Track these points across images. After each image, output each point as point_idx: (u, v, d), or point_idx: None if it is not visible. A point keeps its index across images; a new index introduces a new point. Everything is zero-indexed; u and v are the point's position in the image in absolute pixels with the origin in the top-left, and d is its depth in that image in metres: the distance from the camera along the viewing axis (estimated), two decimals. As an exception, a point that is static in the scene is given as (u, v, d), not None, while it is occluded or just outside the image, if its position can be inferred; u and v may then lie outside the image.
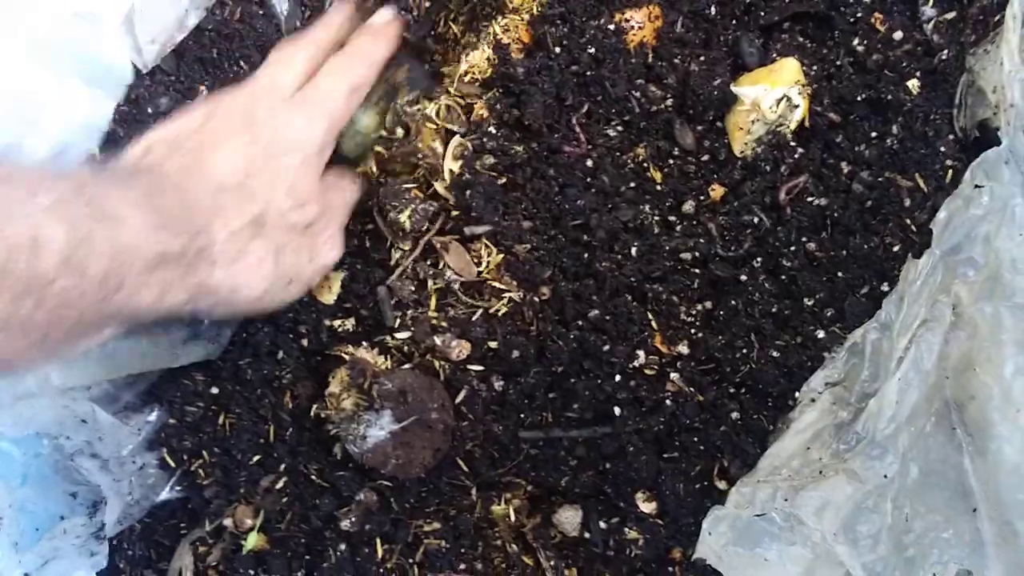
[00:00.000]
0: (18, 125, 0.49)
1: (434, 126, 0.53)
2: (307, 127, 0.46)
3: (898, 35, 0.52)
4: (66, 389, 0.45)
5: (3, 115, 0.48)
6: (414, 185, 0.53)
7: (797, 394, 0.48)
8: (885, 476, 0.44)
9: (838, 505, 0.44)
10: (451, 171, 0.52)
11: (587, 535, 0.52)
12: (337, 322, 0.53)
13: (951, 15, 0.51)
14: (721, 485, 0.50)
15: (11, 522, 0.43)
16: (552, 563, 0.51)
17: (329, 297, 0.54)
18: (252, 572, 0.52)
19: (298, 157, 0.46)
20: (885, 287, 0.49)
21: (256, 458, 0.52)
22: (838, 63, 0.53)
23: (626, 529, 0.51)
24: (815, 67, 0.53)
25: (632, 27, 0.54)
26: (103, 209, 0.36)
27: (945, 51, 0.51)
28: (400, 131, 0.53)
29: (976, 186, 0.45)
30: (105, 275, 0.35)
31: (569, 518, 0.52)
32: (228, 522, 0.53)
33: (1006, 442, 0.43)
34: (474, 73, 0.55)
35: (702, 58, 0.54)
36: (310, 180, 0.46)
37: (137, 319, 0.39)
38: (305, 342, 0.53)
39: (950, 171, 0.49)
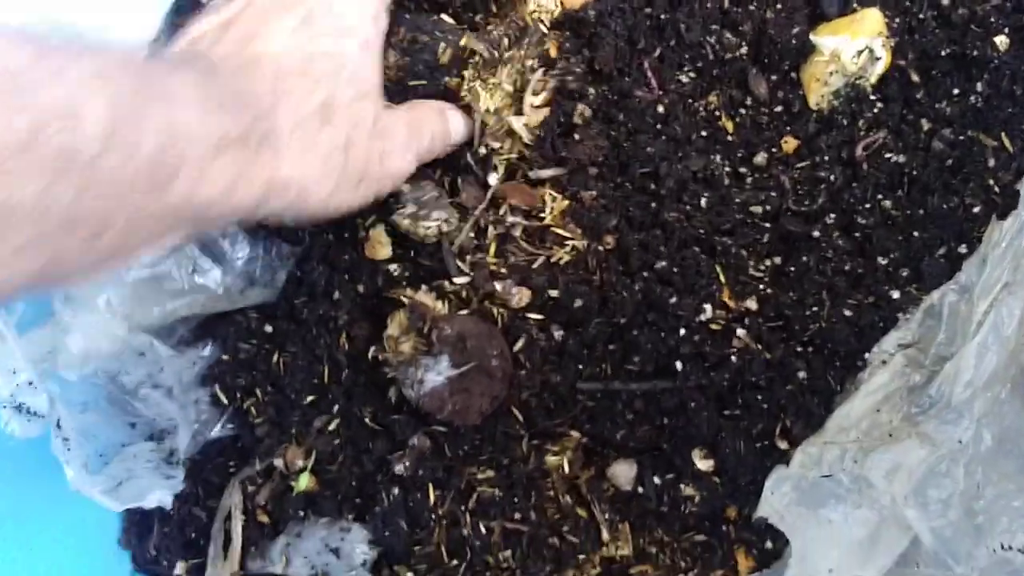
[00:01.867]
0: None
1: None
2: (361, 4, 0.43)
3: (975, -8, 0.50)
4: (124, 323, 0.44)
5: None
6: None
7: (868, 355, 0.47)
8: (959, 441, 0.43)
9: (909, 469, 0.43)
10: (531, 105, 0.51)
11: (641, 490, 0.51)
12: (394, 265, 0.52)
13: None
14: (782, 445, 0.49)
15: (78, 446, 0.43)
16: (606, 516, 0.51)
17: (384, 252, 0.52)
18: (302, 513, 0.52)
19: (356, 41, 0.43)
20: (964, 249, 0.48)
21: (310, 398, 0.52)
22: (921, 16, 0.51)
23: (681, 486, 0.51)
24: (897, 19, 0.51)
25: None
26: (151, 84, 0.32)
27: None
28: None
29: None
30: (158, 155, 0.31)
31: (624, 472, 0.52)
32: (279, 462, 0.52)
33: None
34: (540, 12, 0.54)
35: (779, 5, 0.52)
36: (372, 69, 0.43)
37: (206, 221, 0.36)
38: (361, 287, 0.52)
39: (1038, 131, 0.48)
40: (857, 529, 0.44)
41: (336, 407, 0.52)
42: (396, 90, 0.53)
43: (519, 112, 0.52)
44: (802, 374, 0.48)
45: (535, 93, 0.52)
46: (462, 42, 0.53)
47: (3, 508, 0.46)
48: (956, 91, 0.50)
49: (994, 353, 0.44)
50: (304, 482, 0.52)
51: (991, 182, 0.48)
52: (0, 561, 0.46)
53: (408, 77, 0.54)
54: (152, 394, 0.46)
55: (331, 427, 0.52)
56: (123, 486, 0.45)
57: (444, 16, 0.55)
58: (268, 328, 0.52)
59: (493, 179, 0.51)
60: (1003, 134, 0.48)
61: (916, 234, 0.49)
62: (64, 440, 0.42)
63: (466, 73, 0.52)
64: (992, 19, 0.50)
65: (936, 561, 0.43)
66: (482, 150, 0.52)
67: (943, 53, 0.50)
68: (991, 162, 0.48)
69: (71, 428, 0.43)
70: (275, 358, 0.52)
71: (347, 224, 0.52)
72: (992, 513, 0.44)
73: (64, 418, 0.42)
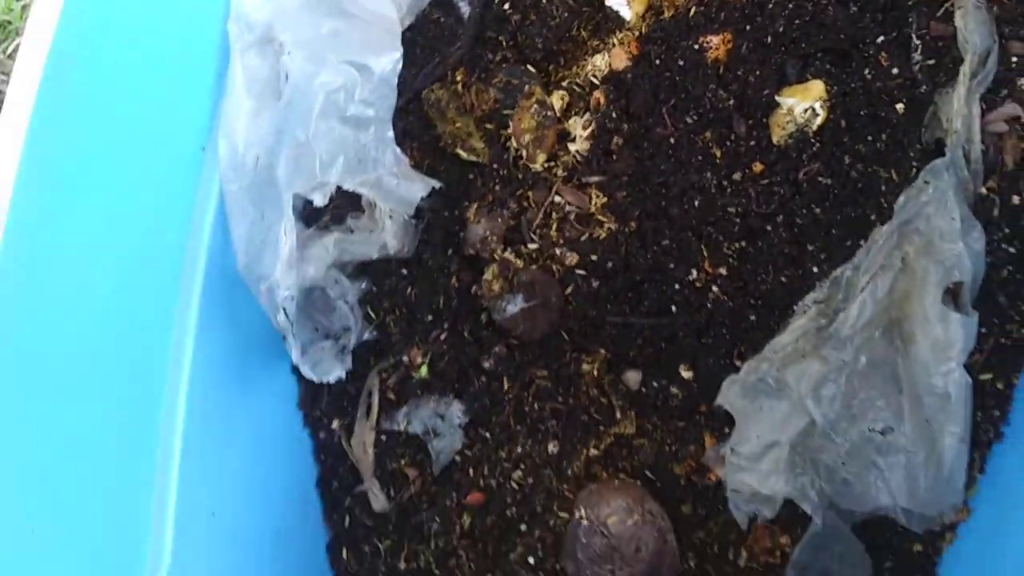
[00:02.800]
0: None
1: (560, 105, 0.79)
2: None
3: (895, 71, 0.75)
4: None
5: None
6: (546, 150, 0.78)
7: (795, 307, 0.73)
8: (843, 361, 0.69)
9: (811, 376, 0.69)
10: (577, 134, 0.77)
11: (644, 389, 0.78)
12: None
13: (932, 61, 0.74)
14: (738, 363, 0.75)
15: (294, 338, 0.69)
16: (619, 405, 0.77)
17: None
18: (419, 392, 0.79)
19: None
20: (861, 242, 0.73)
21: (429, 317, 0.78)
22: (852, 86, 0.76)
23: (671, 387, 0.77)
24: (835, 87, 0.76)
25: (710, 47, 0.77)
26: None
27: (924, 86, 0.74)
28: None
29: (925, 182, 0.69)
30: None
31: (633, 377, 0.78)
32: (405, 359, 0.79)
33: (921, 347, 0.68)
34: (592, 73, 0.80)
35: (758, 73, 0.77)
36: None
37: None
38: (467, 248, 0.78)
39: (913, 169, 0.72)
40: (777, 414, 0.70)
41: (446, 324, 0.78)
42: (493, 117, 0.80)
43: (574, 137, 0.78)
44: (752, 317, 0.74)
45: (584, 128, 0.78)
46: (535, 90, 0.79)
47: (233, 372, 0.72)
48: (869, 138, 0.75)
49: (870, 308, 0.69)
50: (422, 372, 0.78)
51: (882, 201, 0.73)
52: (223, 406, 0.72)
53: (502, 107, 0.80)
54: (342, 306, 0.71)
55: (442, 337, 0.78)
56: (318, 366, 0.71)
57: (529, 67, 0.81)
58: (404, 271, 0.78)
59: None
60: (893, 170, 0.73)
61: (833, 231, 0.74)
62: (293, 335, 0.67)
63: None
64: (896, 91, 0.75)
65: (823, 435, 0.69)
66: (548, 164, 0.78)
67: (862, 113, 0.75)
68: (883, 187, 0.73)
69: (288, 325, 0.69)
70: (408, 290, 0.78)
71: (456, 206, 0.78)
72: (863, 408, 0.69)
73: (294, 320, 0.67)
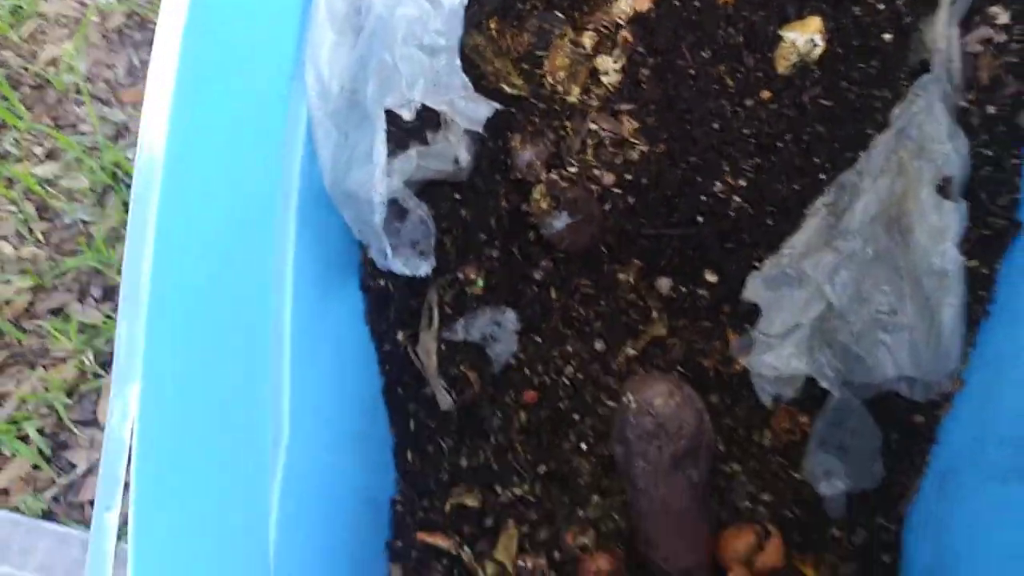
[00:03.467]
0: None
1: (591, 45, 0.89)
2: None
3: (881, 6, 0.87)
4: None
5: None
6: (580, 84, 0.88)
7: (806, 210, 0.84)
8: (853, 250, 0.80)
9: (826, 265, 0.80)
10: (608, 70, 0.87)
11: (674, 294, 0.88)
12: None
13: (913, -5, 0.86)
14: (757, 265, 0.85)
15: (386, 239, 0.75)
16: (654, 305, 0.87)
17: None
18: (475, 305, 0.88)
19: None
20: (861, 153, 0.84)
21: (482, 236, 0.87)
22: (844, 20, 0.88)
23: (698, 291, 0.87)
24: (830, 22, 0.88)
25: (721, -9, 0.89)
26: None
27: (908, 17, 0.85)
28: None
29: (916, 94, 0.80)
30: None
31: (665, 283, 0.88)
32: (461, 275, 0.88)
33: (919, 235, 0.79)
34: (618, 15, 0.90)
35: (762, 12, 0.88)
36: None
37: None
38: (515, 173, 0.88)
39: (904, 87, 0.84)
40: (798, 300, 0.81)
41: (498, 242, 0.88)
42: (528, 58, 0.89)
43: (606, 72, 0.88)
44: (770, 221, 0.85)
45: (615, 62, 0.88)
46: (568, 32, 0.89)
47: (321, 281, 0.81)
48: (861, 65, 0.86)
49: (874, 206, 0.80)
50: (478, 286, 0.88)
51: (878, 116, 0.84)
52: (316, 312, 0.80)
53: (536, 49, 0.90)
54: (416, 216, 0.79)
55: (495, 254, 0.88)
56: (408, 263, 0.78)
57: (558, 12, 0.91)
58: (457, 195, 0.87)
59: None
60: (886, 89, 0.85)
61: (836, 144, 0.85)
62: (385, 237, 0.75)
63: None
64: (884, 23, 0.87)
65: (839, 316, 0.80)
66: (583, 96, 0.88)
67: (855, 44, 0.86)
68: (878, 104, 0.84)
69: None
70: (463, 212, 0.87)
71: (502, 136, 0.88)
72: (871, 292, 0.80)
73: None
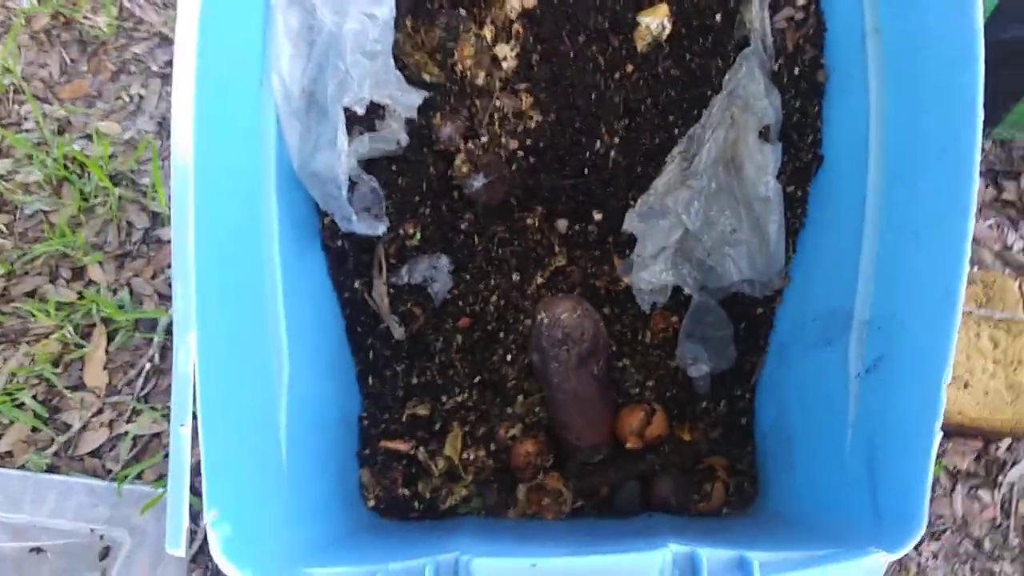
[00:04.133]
0: None
1: (491, 36, 1.10)
2: None
3: (712, -6, 1.11)
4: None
5: None
6: (484, 70, 1.09)
7: (666, 157, 1.09)
8: (701, 186, 1.05)
9: (682, 199, 1.05)
10: (506, 56, 1.09)
11: (570, 232, 1.12)
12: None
13: (735, -15, 1.11)
14: (632, 203, 1.10)
15: (351, 206, 0.96)
16: (555, 242, 1.11)
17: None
18: (414, 254, 1.09)
19: None
20: (704, 109, 1.09)
21: (417, 198, 1.08)
22: (685, 5, 1.12)
23: (589, 227, 1.11)
24: (675, 7, 1.11)
25: (588, -13, 1.11)
26: None
27: (732, 2, 1.10)
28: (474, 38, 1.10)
29: (740, 63, 1.06)
30: None
31: (563, 224, 1.12)
32: (401, 231, 1.09)
33: (748, 171, 1.04)
34: (509, 11, 1.11)
35: (622, 2, 1.11)
36: None
37: None
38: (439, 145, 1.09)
39: (732, 58, 1.09)
40: (664, 228, 1.06)
41: (429, 201, 1.09)
42: (441, 50, 1.10)
43: (504, 58, 1.10)
44: (639, 169, 1.09)
45: (511, 50, 1.10)
46: (471, 27, 1.10)
47: (297, 241, 1.00)
48: (699, 41, 1.10)
49: (715, 151, 1.05)
50: (416, 238, 1.09)
51: (714, 80, 1.09)
52: (297, 265, 1.00)
53: (446, 42, 1.11)
54: (367, 188, 1.00)
55: (427, 211, 1.09)
56: (368, 224, 0.98)
57: (461, 10, 1.12)
58: (394, 167, 1.08)
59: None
60: (719, 59, 1.09)
61: (685, 105, 1.10)
62: (351, 204, 0.95)
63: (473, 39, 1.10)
64: (715, 6, 1.11)
65: (694, 238, 1.05)
66: (487, 79, 1.09)
67: (694, 24, 1.10)
68: (714, 72, 1.09)
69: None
70: (399, 180, 1.08)
71: (425, 116, 1.08)
72: (716, 217, 1.06)
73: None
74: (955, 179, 0.77)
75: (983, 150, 1.39)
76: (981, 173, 1.38)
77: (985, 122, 1.33)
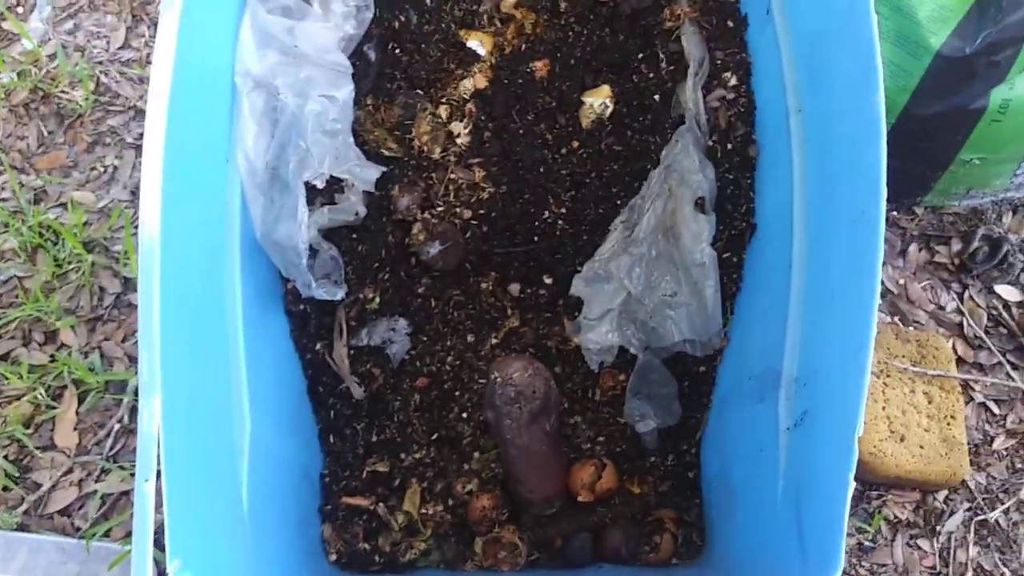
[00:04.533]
0: None
1: (446, 115, 1.18)
2: None
3: (651, 75, 1.20)
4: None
5: None
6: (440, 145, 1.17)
7: (610, 226, 1.16)
8: (642, 253, 1.12)
9: (624, 265, 1.12)
10: (460, 133, 1.17)
11: (522, 295, 1.19)
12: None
13: (672, 67, 1.20)
14: (579, 268, 1.17)
15: (311, 273, 1.03)
16: (508, 305, 1.18)
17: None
18: (373, 317, 1.15)
19: None
20: (644, 182, 1.17)
21: (375, 265, 1.15)
22: (626, 86, 1.21)
23: (540, 291, 1.18)
24: (616, 88, 1.20)
25: (536, 69, 1.20)
26: None
27: (669, 82, 1.19)
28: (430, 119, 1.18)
29: (676, 140, 1.14)
30: None
31: (515, 288, 1.19)
32: (361, 295, 1.15)
33: (685, 239, 1.12)
34: (463, 92, 1.20)
35: (568, 83, 1.20)
36: None
37: None
38: (396, 216, 1.16)
39: (669, 134, 1.17)
40: (607, 291, 1.13)
41: (388, 267, 1.15)
42: (399, 127, 1.18)
43: (458, 134, 1.18)
44: (585, 236, 1.17)
45: (464, 127, 1.18)
46: (427, 106, 1.18)
47: (260, 305, 1.06)
48: (640, 118, 1.19)
49: (653, 220, 1.13)
50: (375, 303, 1.15)
51: (653, 155, 1.17)
52: (258, 326, 1.06)
53: (404, 119, 1.18)
54: (328, 256, 1.06)
55: (386, 277, 1.15)
56: (327, 290, 1.05)
57: (419, 91, 1.20)
58: (354, 235, 1.14)
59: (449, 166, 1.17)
60: (657, 136, 1.18)
61: (626, 178, 1.18)
62: (311, 272, 1.01)
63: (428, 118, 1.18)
64: (654, 87, 1.20)
65: (636, 301, 1.12)
66: (443, 154, 1.17)
67: (635, 103, 1.19)
68: (652, 147, 1.17)
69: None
70: (359, 248, 1.15)
71: (384, 188, 1.16)
72: (657, 282, 1.13)
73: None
74: (863, 247, 0.85)
75: (916, 216, 1.49)
76: (914, 237, 1.47)
77: (916, 190, 1.44)
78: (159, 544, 0.76)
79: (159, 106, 0.83)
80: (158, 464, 0.78)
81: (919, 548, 1.31)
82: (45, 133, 1.57)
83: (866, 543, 1.29)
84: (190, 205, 0.91)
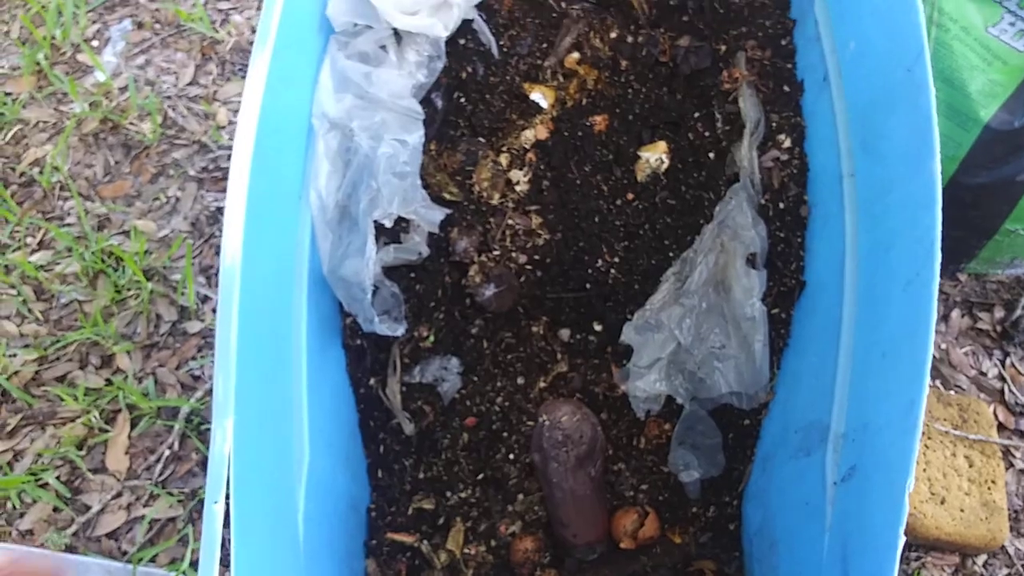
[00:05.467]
0: None
1: (506, 163, 1.22)
2: None
3: (707, 134, 1.24)
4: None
5: None
6: (499, 191, 1.21)
7: (661, 277, 1.19)
8: (693, 305, 1.15)
9: (675, 315, 1.14)
10: (519, 180, 1.21)
11: (572, 341, 1.21)
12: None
13: (728, 127, 1.23)
14: (629, 317, 1.20)
15: (373, 309, 1.07)
16: (558, 349, 1.20)
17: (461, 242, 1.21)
18: (427, 355, 1.18)
19: None
20: (696, 236, 1.20)
21: (432, 304, 1.18)
22: (682, 143, 1.24)
23: (589, 337, 1.21)
24: (673, 145, 1.24)
25: (595, 123, 1.24)
26: None
27: (724, 141, 1.23)
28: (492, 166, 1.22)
29: (730, 197, 1.17)
30: None
31: (565, 333, 1.21)
32: (416, 333, 1.18)
33: (736, 293, 1.14)
34: (524, 142, 1.24)
35: (625, 138, 1.24)
36: None
37: None
38: (455, 257, 1.20)
39: (723, 191, 1.21)
40: (658, 341, 1.15)
41: (443, 307, 1.19)
42: (460, 172, 1.22)
43: (517, 182, 1.22)
44: (636, 286, 1.19)
45: (524, 175, 1.22)
46: (489, 154, 1.22)
47: (322, 338, 1.10)
48: (694, 175, 1.23)
49: (705, 273, 1.16)
50: (429, 341, 1.18)
51: (706, 211, 1.21)
52: (320, 361, 1.10)
53: (466, 165, 1.23)
54: (389, 293, 1.10)
55: (441, 316, 1.19)
56: (388, 326, 1.09)
57: (481, 139, 1.24)
58: (413, 275, 1.18)
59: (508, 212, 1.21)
60: (711, 192, 1.21)
61: (679, 231, 1.21)
62: (373, 307, 1.05)
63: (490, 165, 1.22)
64: (708, 145, 1.23)
65: (685, 352, 1.15)
66: (501, 200, 1.21)
67: (690, 160, 1.23)
68: (706, 203, 1.21)
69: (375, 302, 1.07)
70: (416, 287, 1.18)
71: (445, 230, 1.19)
72: (706, 334, 1.16)
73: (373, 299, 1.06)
74: (917, 308, 0.86)
75: (960, 283, 1.51)
76: (958, 304, 1.49)
77: (960, 258, 1.46)
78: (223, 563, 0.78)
79: (246, 143, 0.87)
80: (227, 487, 0.80)
81: (958, 614, 1.31)
82: (112, 163, 1.62)
83: (905, 605, 1.29)
84: (265, 239, 0.94)
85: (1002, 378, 1.44)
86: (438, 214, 1.09)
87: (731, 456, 1.18)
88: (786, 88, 1.20)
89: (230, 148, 1.58)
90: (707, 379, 1.15)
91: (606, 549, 1.15)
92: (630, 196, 1.22)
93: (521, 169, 1.22)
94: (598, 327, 1.21)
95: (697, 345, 1.15)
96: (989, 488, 1.31)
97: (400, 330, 1.08)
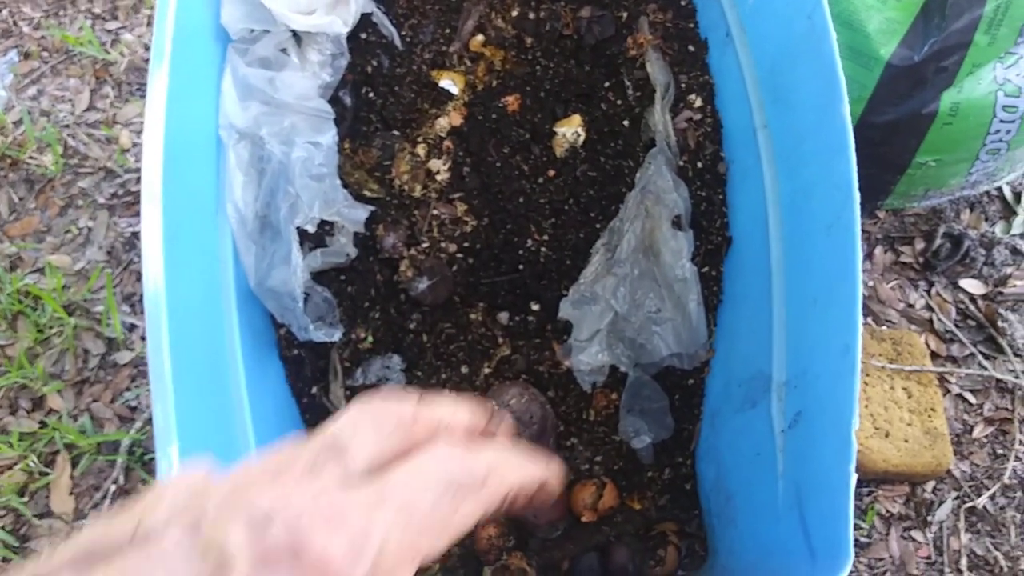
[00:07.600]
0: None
1: (424, 153, 1.21)
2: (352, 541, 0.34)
3: (619, 102, 1.25)
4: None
5: None
6: (420, 183, 1.20)
7: (591, 250, 1.19)
8: (625, 273, 1.16)
9: (609, 285, 1.15)
10: (439, 169, 1.20)
11: (511, 323, 1.21)
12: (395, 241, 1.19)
13: (639, 93, 1.24)
14: (565, 292, 1.20)
15: (306, 318, 1.05)
16: (498, 333, 1.20)
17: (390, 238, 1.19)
18: (367, 356, 1.17)
19: None
20: (621, 205, 1.21)
21: (366, 304, 1.17)
22: (596, 114, 1.25)
23: (528, 318, 1.21)
24: (587, 117, 1.25)
25: (508, 103, 1.24)
26: None
27: (637, 107, 1.24)
28: (410, 155, 1.21)
29: (649, 163, 1.18)
30: None
31: (504, 316, 1.21)
32: (353, 335, 1.17)
33: (665, 256, 1.16)
34: (439, 130, 1.23)
35: (539, 115, 1.24)
36: None
37: None
38: (383, 254, 1.18)
39: (641, 157, 1.22)
40: (595, 312, 1.16)
41: (379, 306, 1.17)
42: (378, 168, 1.20)
43: (438, 171, 1.21)
44: (568, 261, 1.20)
45: (443, 164, 1.21)
46: (405, 146, 1.21)
47: (257, 350, 1.07)
48: (611, 145, 1.23)
49: (627, 241, 1.16)
50: (367, 342, 1.17)
51: (627, 179, 1.21)
52: (258, 373, 1.08)
53: (383, 160, 1.21)
54: (321, 299, 1.08)
55: (377, 315, 1.18)
56: (323, 333, 1.07)
57: (395, 132, 1.23)
58: (343, 277, 1.16)
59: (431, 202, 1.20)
60: (629, 159, 1.22)
61: (603, 202, 1.21)
62: (306, 316, 1.03)
63: (406, 156, 1.21)
64: (622, 113, 1.24)
65: (623, 320, 1.16)
66: (423, 191, 1.20)
67: (605, 130, 1.23)
68: (627, 171, 1.22)
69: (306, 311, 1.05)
70: (348, 288, 1.17)
71: (371, 228, 1.18)
72: (641, 299, 1.17)
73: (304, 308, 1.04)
74: (842, 251, 0.89)
75: (879, 220, 1.55)
76: (879, 240, 1.53)
77: (877, 195, 1.50)
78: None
79: (154, 163, 0.85)
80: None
81: (913, 540, 1.35)
82: (16, 200, 1.56)
83: (862, 539, 1.33)
84: (187, 259, 0.92)
85: (929, 308, 1.49)
86: (361, 212, 1.08)
87: (679, 417, 1.20)
88: (691, 48, 1.22)
89: (138, 171, 1.54)
90: (647, 344, 1.16)
91: (568, 525, 1.16)
92: (551, 173, 1.22)
93: (440, 158, 1.21)
94: (535, 307, 1.21)
95: (634, 312, 1.16)
96: (929, 416, 1.35)
97: (336, 335, 1.06)
